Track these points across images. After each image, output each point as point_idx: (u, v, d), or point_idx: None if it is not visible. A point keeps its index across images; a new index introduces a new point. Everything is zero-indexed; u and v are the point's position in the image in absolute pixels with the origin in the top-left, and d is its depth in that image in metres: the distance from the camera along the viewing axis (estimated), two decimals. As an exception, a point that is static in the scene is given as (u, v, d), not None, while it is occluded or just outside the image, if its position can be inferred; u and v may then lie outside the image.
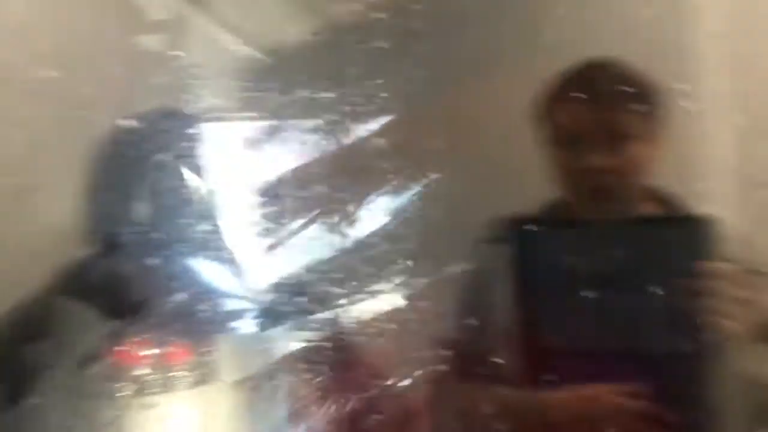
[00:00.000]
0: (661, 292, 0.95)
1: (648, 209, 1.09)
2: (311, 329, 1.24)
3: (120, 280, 1.14)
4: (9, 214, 1.08)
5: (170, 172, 1.25)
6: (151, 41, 1.27)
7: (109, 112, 1.15)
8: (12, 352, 1.05)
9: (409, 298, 1.23)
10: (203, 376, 1.15)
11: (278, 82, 1.30)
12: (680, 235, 0.96)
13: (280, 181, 1.34)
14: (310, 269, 1.29)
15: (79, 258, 1.13)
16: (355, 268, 1.26)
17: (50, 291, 1.10)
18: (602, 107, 1.06)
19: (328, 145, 1.33)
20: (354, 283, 1.25)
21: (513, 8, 1.31)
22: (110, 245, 1.15)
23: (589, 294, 0.97)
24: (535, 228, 1.01)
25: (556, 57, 1.11)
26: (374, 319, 1.24)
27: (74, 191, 1.13)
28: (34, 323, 1.06)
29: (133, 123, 1.22)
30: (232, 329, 1.21)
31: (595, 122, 1.06)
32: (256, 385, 1.17)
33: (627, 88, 1.06)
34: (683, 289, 0.93)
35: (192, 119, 1.27)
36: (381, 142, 1.28)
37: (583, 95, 1.07)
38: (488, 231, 1.09)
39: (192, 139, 1.28)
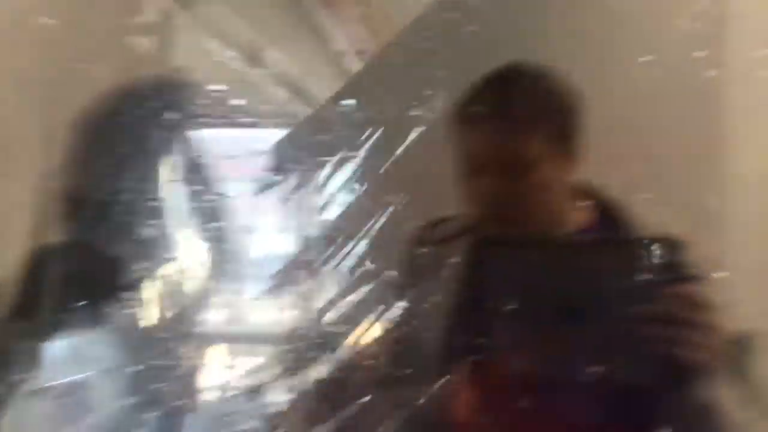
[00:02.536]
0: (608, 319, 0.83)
1: (578, 220, 0.98)
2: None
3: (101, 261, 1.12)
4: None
5: (165, 140, 1.24)
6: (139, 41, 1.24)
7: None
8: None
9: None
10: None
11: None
12: (618, 255, 0.85)
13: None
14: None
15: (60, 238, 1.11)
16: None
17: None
18: (504, 130, 0.93)
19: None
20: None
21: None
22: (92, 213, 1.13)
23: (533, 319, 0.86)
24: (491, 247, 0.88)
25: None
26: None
27: (59, 151, 1.10)
28: None
29: (132, 85, 1.20)
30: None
31: (495, 148, 0.94)
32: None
33: (539, 102, 0.94)
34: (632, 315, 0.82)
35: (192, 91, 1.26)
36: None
37: (485, 116, 0.94)
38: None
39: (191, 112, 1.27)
